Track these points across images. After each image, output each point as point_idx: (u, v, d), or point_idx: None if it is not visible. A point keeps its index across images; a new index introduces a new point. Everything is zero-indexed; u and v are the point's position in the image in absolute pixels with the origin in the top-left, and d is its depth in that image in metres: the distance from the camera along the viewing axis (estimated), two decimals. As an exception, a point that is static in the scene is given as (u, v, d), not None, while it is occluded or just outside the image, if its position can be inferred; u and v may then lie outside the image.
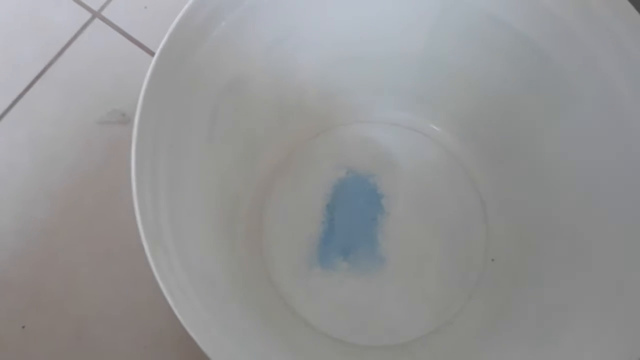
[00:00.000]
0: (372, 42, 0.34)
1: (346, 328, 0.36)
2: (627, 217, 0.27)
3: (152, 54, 0.47)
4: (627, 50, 0.27)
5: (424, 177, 0.39)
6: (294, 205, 0.39)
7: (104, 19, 0.49)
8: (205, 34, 0.27)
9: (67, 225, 0.43)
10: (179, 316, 0.22)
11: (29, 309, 0.41)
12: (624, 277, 0.26)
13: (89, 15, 0.49)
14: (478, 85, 0.35)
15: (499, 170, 0.38)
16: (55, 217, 0.44)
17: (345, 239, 0.38)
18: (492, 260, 0.37)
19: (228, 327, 0.26)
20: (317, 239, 0.38)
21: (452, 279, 0.37)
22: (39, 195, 0.44)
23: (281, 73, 0.34)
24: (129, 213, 0.42)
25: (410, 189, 0.39)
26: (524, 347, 0.31)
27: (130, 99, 0.46)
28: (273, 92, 0.35)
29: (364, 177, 0.39)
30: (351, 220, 0.38)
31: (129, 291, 0.42)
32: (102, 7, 0.49)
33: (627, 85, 0.27)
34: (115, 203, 0.44)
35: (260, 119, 0.36)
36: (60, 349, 0.40)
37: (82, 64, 0.48)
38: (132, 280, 0.42)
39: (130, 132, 0.44)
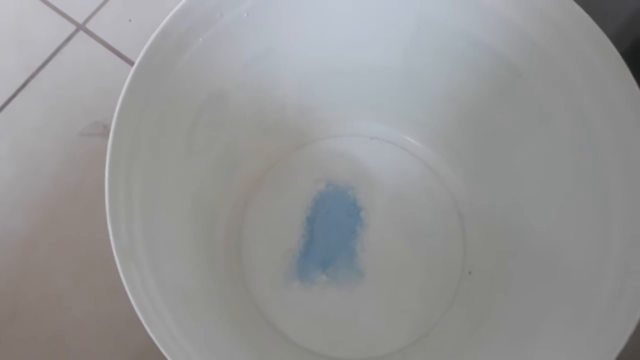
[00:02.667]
0: (350, 57, 0.35)
1: (325, 342, 0.36)
2: (596, 229, 0.28)
3: (135, 66, 0.48)
4: (598, 73, 0.27)
5: (402, 190, 0.40)
6: (273, 219, 0.39)
7: (88, 32, 0.49)
8: (182, 49, 0.27)
9: (47, 236, 0.43)
10: (149, 333, 0.22)
11: (5, 322, 0.41)
12: (596, 286, 0.27)
13: (73, 28, 0.49)
14: (454, 100, 0.35)
15: (476, 184, 0.38)
16: (35, 228, 0.44)
17: (324, 252, 0.38)
18: (469, 273, 0.38)
19: (202, 343, 0.26)
20: (296, 251, 0.38)
21: (430, 292, 0.38)
22: (19, 206, 0.44)
23: (260, 88, 0.34)
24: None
25: (388, 202, 0.39)
26: (500, 356, 0.32)
27: (112, 111, 0.45)
28: (252, 107, 0.35)
29: (343, 190, 0.40)
30: (330, 233, 0.39)
31: (109, 304, 0.41)
32: (87, 20, 0.49)
33: (596, 107, 0.28)
34: (95, 215, 0.44)
35: (239, 133, 0.36)
36: (39, 358, 0.40)
37: (65, 76, 0.48)
38: (112, 292, 0.42)
39: None
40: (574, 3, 0.27)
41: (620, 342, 0.24)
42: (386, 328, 0.37)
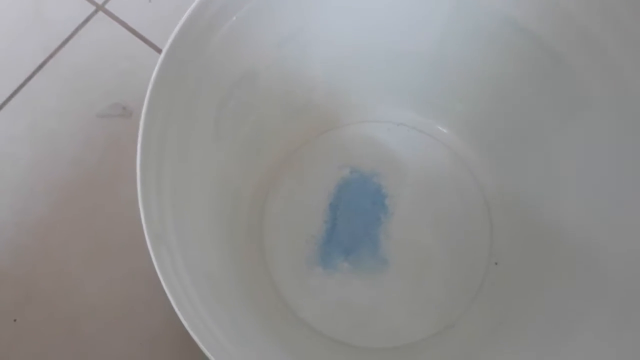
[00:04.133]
0: (382, 40, 0.34)
1: (346, 329, 0.36)
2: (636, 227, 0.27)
3: (155, 48, 0.47)
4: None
5: (428, 178, 0.39)
6: (296, 204, 0.38)
7: (107, 12, 0.48)
8: (215, 28, 0.27)
9: (65, 219, 0.43)
10: (181, 318, 0.21)
11: (21, 303, 0.41)
12: (635, 288, 0.26)
13: (92, 8, 0.48)
14: (488, 86, 0.34)
15: (506, 173, 0.37)
16: (53, 210, 0.43)
17: (347, 239, 0.38)
18: (496, 263, 0.37)
19: (229, 329, 0.25)
20: (319, 238, 0.38)
21: (455, 282, 0.37)
22: (37, 188, 0.44)
23: (291, 69, 0.33)
24: (127, 209, 0.43)
25: (414, 190, 0.39)
26: (527, 353, 0.31)
27: (132, 93, 0.46)
28: (281, 88, 0.34)
29: (368, 177, 0.39)
30: (354, 220, 0.38)
31: (125, 287, 0.41)
32: (106, 0, 0.48)
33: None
34: (113, 198, 0.43)
35: (266, 115, 0.35)
36: (52, 344, 0.40)
37: (84, 56, 0.47)
38: (128, 276, 0.41)
39: (131, 126, 0.45)
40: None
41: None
42: (409, 317, 0.36)
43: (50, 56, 0.47)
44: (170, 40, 0.24)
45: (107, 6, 0.48)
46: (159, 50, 0.47)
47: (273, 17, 0.29)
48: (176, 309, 0.21)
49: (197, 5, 0.25)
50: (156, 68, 0.24)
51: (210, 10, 0.26)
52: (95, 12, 0.48)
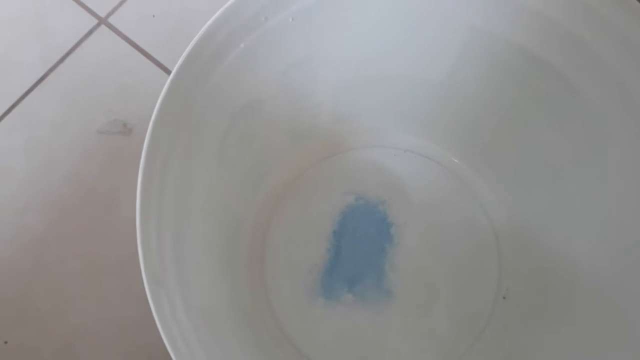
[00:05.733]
0: (392, 67, 0.33)
1: (348, 363, 0.35)
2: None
3: (157, 63, 0.46)
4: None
5: (436, 207, 0.38)
6: (299, 231, 0.37)
7: (110, 26, 0.47)
8: (223, 55, 0.26)
9: (60, 236, 0.42)
10: None
11: (13, 323, 0.39)
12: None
13: (94, 22, 0.47)
14: (501, 117, 0.33)
15: (516, 205, 0.36)
16: (48, 227, 0.42)
17: (351, 269, 0.36)
18: (504, 298, 0.36)
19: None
20: (321, 267, 0.37)
21: (461, 316, 0.36)
22: (32, 203, 0.43)
23: (296, 95, 0.32)
24: (124, 228, 0.42)
25: (421, 219, 0.38)
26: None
27: (133, 110, 0.45)
28: (286, 114, 0.33)
29: (373, 204, 0.38)
30: (358, 249, 0.37)
31: (120, 309, 0.40)
32: (109, 14, 0.47)
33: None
34: (110, 216, 0.42)
35: (271, 141, 0.34)
36: (46, 369, 0.38)
37: (85, 71, 0.46)
38: (123, 297, 0.40)
39: (132, 143, 0.44)
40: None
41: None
42: (414, 352, 0.35)
43: (51, 69, 0.46)
44: (176, 67, 0.23)
45: (110, 19, 0.47)
46: (162, 66, 0.46)
47: (281, 45, 0.28)
48: (173, 356, 0.20)
49: (204, 32, 0.24)
50: (161, 95, 0.23)
51: (218, 37, 0.25)
52: (98, 25, 0.47)
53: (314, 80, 0.32)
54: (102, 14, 0.47)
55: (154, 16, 0.47)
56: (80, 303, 0.40)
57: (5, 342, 0.39)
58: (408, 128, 0.38)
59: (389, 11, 0.29)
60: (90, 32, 0.47)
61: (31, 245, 0.42)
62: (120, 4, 0.48)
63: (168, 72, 0.46)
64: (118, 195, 0.43)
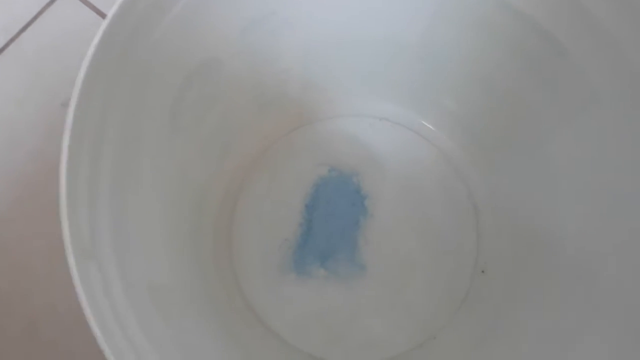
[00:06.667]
0: (363, 26, 0.31)
1: (320, 342, 0.33)
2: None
3: (124, 33, 0.44)
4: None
5: (412, 178, 0.36)
6: (269, 204, 0.36)
7: (73, -7, 0.45)
8: (164, 9, 0.23)
9: (24, 215, 0.40)
10: (106, 351, 0.18)
11: (-24, 307, 0.38)
12: (629, 310, 0.23)
13: (57, -12, 0.45)
14: (481, 80, 0.31)
15: (497, 175, 0.35)
16: (12, 206, 0.41)
17: (324, 243, 0.35)
18: (482, 272, 0.35)
19: (177, 352, 0.22)
20: (293, 242, 0.35)
21: (439, 290, 0.34)
22: (-6, 180, 0.41)
23: (260, 57, 0.30)
24: None
25: (397, 191, 0.36)
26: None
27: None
28: (250, 79, 0.31)
29: (347, 176, 0.36)
30: (331, 223, 0.35)
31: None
32: (72, -20, 0.45)
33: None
34: (77, 193, 0.40)
35: (234, 109, 0.32)
36: (7, 350, 0.37)
37: (48, 40, 0.44)
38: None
39: None
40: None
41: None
42: (389, 329, 0.34)
43: (12, 40, 0.44)
44: (110, 15, 0.21)
45: (73, -14, 0.45)
46: (129, 35, 0.44)
47: (236, -2, 0.26)
48: (100, 341, 0.18)
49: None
50: (92, 46, 0.20)
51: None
52: (61, -8, 0.45)
53: (278, 41, 0.30)
54: (65, -20, 0.45)
55: (119, -18, 0.45)
56: (45, 283, 0.39)
57: (-33, 325, 0.37)
58: (384, 95, 0.36)
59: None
60: (52, 0, 0.45)
61: (-6, 224, 0.40)
62: (84, -30, 0.45)
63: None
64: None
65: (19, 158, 0.42)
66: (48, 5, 0.45)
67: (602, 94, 0.26)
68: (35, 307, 0.38)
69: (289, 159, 0.36)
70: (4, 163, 0.41)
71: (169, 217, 0.28)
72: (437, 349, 0.33)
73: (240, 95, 0.32)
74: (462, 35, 0.30)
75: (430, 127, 0.37)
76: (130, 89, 0.23)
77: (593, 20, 0.25)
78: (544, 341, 0.28)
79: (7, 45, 0.44)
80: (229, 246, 0.34)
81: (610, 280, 0.26)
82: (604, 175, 0.27)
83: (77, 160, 0.20)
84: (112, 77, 0.22)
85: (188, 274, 0.29)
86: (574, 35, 0.26)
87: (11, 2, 0.45)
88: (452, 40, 0.31)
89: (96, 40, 0.20)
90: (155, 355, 0.20)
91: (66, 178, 0.19)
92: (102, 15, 0.44)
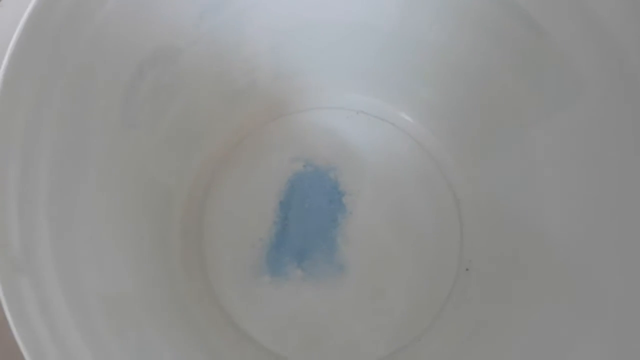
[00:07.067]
0: (336, 11, 0.29)
1: (298, 346, 0.32)
2: (633, 237, 0.22)
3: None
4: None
5: (392, 173, 0.34)
6: (241, 203, 0.34)
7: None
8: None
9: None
10: None
11: None
12: (621, 308, 0.22)
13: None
14: (459, 69, 0.30)
15: (478, 167, 0.33)
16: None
17: (300, 243, 0.33)
18: (466, 270, 0.33)
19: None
20: (267, 241, 0.33)
21: (421, 291, 0.33)
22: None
23: (222, 45, 0.28)
24: None
25: (376, 187, 0.34)
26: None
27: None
28: (213, 68, 0.29)
29: (323, 172, 0.34)
30: (308, 221, 0.33)
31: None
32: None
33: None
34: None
35: (198, 100, 0.30)
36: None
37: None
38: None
39: None
40: None
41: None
42: (370, 331, 0.32)
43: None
44: (31, 6, 0.19)
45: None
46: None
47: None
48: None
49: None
50: (18, 29, 0.18)
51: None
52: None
53: (242, 26, 0.28)
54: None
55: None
56: None
57: None
58: (360, 86, 0.34)
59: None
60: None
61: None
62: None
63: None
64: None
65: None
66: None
67: (588, 84, 0.24)
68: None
69: (261, 154, 0.34)
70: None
71: (128, 219, 0.26)
72: (422, 351, 0.32)
73: (204, 85, 0.29)
74: (439, 20, 0.28)
75: (408, 118, 0.35)
76: (68, 85, 0.21)
77: (578, 4, 0.23)
78: (532, 342, 0.27)
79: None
80: (198, 248, 0.32)
81: (599, 278, 0.25)
82: (591, 169, 0.25)
83: (2, 167, 0.18)
84: (44, 72, 0.20)
85: (152, 280, 0.27)
86: (555, 15, 0.24)
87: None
88: (426, 25, 0.29)
89: (17, 35, 0.18)
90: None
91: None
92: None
